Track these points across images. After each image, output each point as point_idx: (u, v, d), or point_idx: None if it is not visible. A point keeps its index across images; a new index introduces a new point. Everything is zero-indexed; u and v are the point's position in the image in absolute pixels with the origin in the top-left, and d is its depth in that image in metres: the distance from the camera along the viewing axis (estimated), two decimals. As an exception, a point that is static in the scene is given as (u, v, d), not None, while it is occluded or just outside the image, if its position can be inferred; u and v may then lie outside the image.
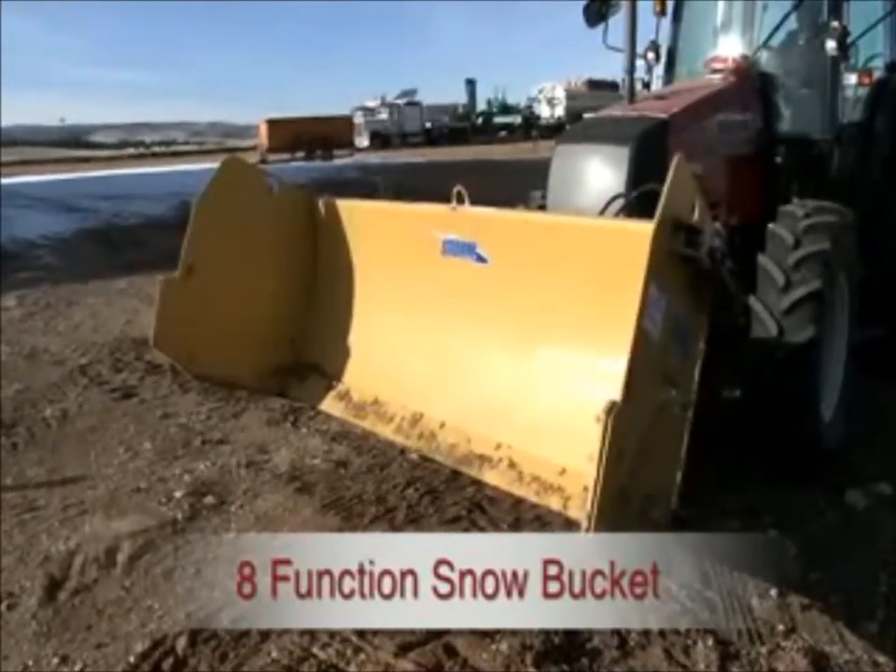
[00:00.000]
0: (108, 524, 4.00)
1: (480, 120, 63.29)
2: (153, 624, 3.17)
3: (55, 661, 2.99)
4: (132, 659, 2.94)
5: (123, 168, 37.24)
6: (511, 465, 3.30)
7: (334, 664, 2.91)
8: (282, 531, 3.87)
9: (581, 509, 2.94)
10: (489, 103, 65.69)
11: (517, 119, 61.70)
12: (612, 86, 40.74)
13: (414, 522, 3.90)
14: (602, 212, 3.92)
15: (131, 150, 68.03)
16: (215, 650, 2.98)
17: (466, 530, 3.81)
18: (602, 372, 3.16)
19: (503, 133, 59.03)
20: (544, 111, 59.67)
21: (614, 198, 3.96)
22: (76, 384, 6.23)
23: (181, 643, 3.01)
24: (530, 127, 55.82)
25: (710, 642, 3.00)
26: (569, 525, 3.69)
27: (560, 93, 58.61)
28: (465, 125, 60.73)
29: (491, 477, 3.36)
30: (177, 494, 4.30)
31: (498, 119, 63.28)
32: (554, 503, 3.07)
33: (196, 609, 3.24)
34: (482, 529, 3.82)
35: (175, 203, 18.13)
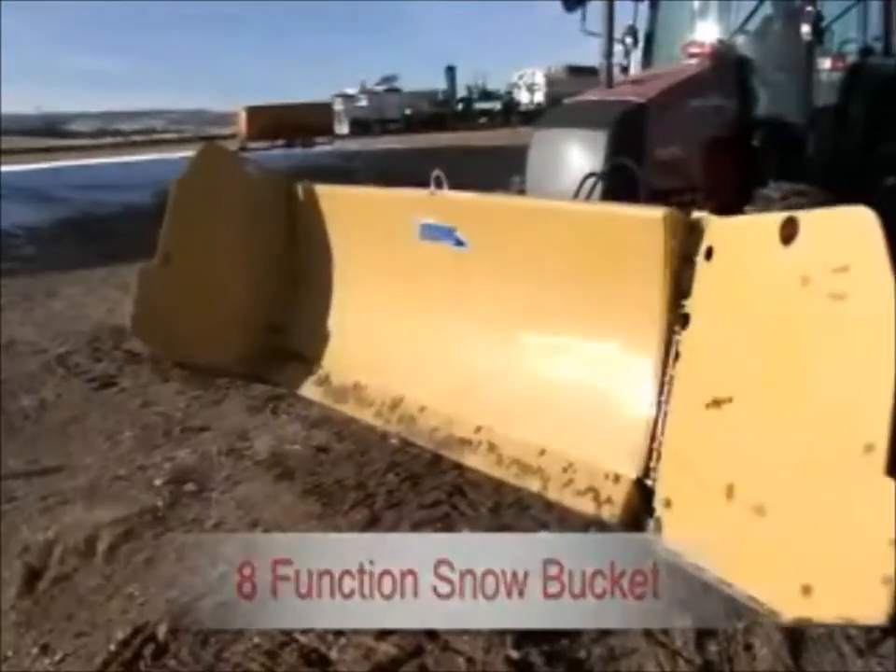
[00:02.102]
0: (88, 513, 3.97)
1: (460, 107, 63.03)
2: (134, 612, 3.16)
3: (35, 651, 2.97)
4: (112, 647, 2.93)
5: (102, 157, 36.90)
6: (491, 447, 3.32)
7: (315, 648, 2.92)
8: (263, 517, 3.88)
9: (560, 490, 2.98)
10: (469, 89, 65.40)
11: (497, 106, 61.51)
12: (592, 72, 40.58)
13: (394, 507, 3.91)
14: (576, 193, 3.94)
15: (109, 139, 67.33)
16: (196, 635, 2.99)
17: (446, 515, 3.82)
18: (582, 355, 3.18)
19: (483, 120, 58.87)
20: (524, 97, 59.56)
21: (586, 177, 3.99)
22: (54, 374, 6.18)
23: (162, 629, 3.01)
24: (510, 113, 55.74)
25: (688, 621, 3.03)
26: (549, 507, 3.75)
27: (540, 79, 58.47)
28: (445, 111, 60.48)
29: (471, 460, 3.39)
30: (157, 482, 4.28)
31: (479, 106, 63.05)
32: (534, 485, 3.10)
33: (178, 596, 3.24)
34: (462, 514, 3.84)
35: (154, 192, 17.93)
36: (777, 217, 2.49)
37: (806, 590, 2.32)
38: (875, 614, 2.07)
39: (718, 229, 2.86)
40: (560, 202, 3.88)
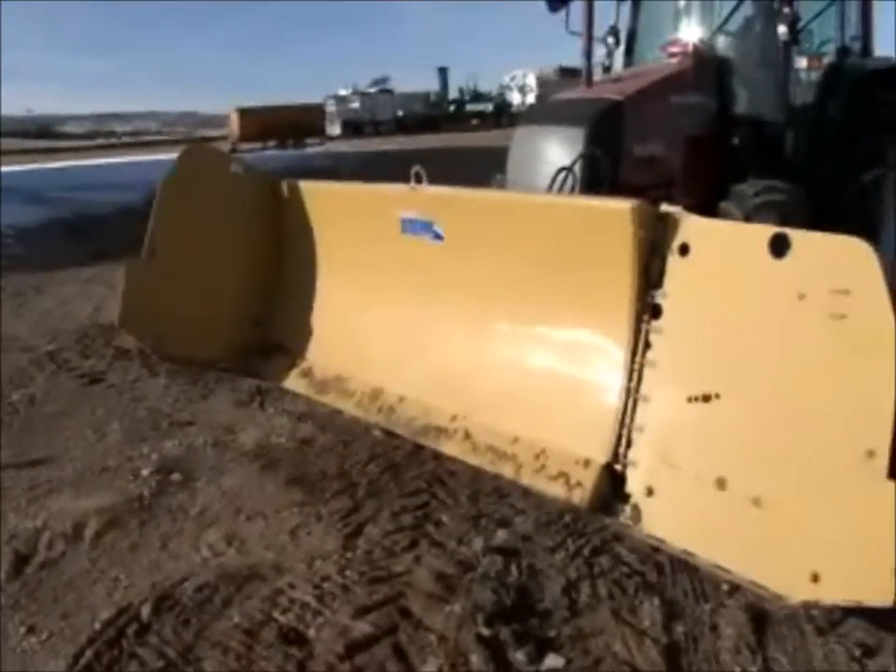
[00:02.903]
0: (76, 501, 4.06)
1: (452, 108, 63.37)
2: (119, 594, 3.25)
3: (22, 630, 3.06)
4: (97, 626, 3.03)
5: (93, 159, 36.91)
6: (467, 435, 3.41)
7: (294, 627, 3.01)
8: (246, 505, 3.96)
9: (532, 475, 3.08)
10: (461, 90, 65.73)
11: (489, 107, 61.72)
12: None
13: (375, 495, 4.00)
14: (550, 186, 4.04)
15: (101, 140, 67.30)
16: (178, 615, 3.08)
17: (426, 503, 3.92)
18: (554, 345, 3.27)
19: (475, 121, 59.05)
20: (516, 98, 59.82)
21: (559, 171, 4.08)
22: (43, 369, 6.25)
23: (146, 610, 3.10)
24: (502, 114, 55.92)
25: (657, 602, 3.12)
26: (526, 495, 3.85)
27: (531, 81, 58.79)
28: (437, 113, 60.83)
29: (448, 448, 3.47)
30: (144, 472, 4.37)
31: (470, 107, 63.36)
32: (508, 471, 3.18)
33: (161, 580, 3.33)
34: (441, 501, 3.93)
35: (145, 193, 17.92)
36: (766, 230, 2.69)
37: (815, 577, 2.59)
38: (882, 597, 2.37)
39: (695, 227, 2.95)
40: (532, 195, 3.98)
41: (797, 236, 2.62)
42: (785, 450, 2.69)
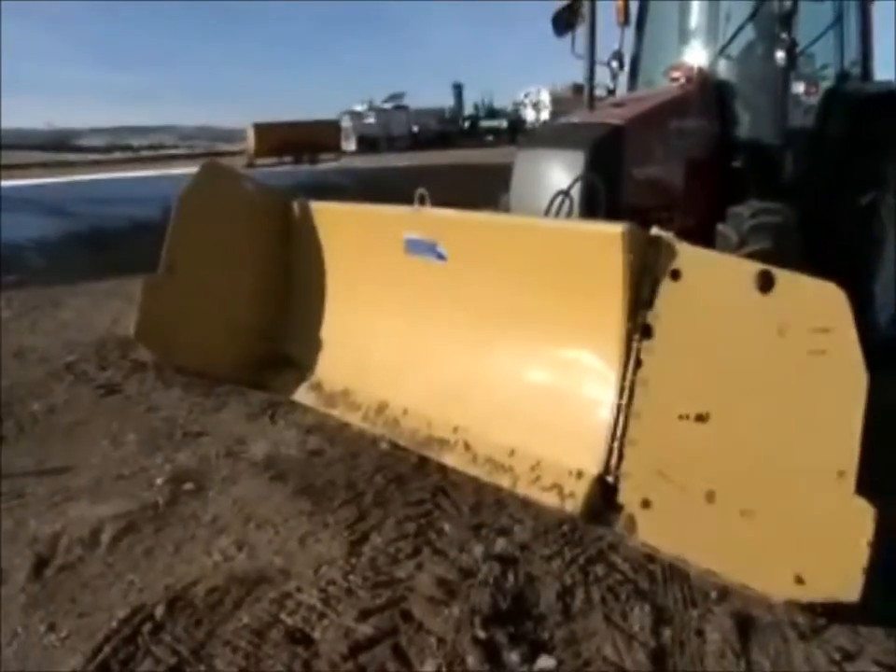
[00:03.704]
0: (92, 508, 4.23)
1: (467, 125, 63.58)
2: (134, 596, 3.41)
3: (42, 628, 3.23)
4: (114, 624, 3.19)
5: (111, 172, 37.22)
6: (467, 447, 3.55)
7: (300, 628, 3.16)
8: (256, 513, 4.12)
9: (528, 486, 3.23)
10: (476, 107, 65.97)
11: (504, 124, 61.88)
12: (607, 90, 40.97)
13: (381, 505, 4.15)
14: (547, 210, 4.19)
15: (118, 154, 67.87)
16: (191, 616, 3.24)
17: (429, 512, 4.07)
18: (549, 361, 3.43)
19: (490, 138, 59.22)
20: (530, 115, 59.99)
21: (557, 194, 4.23)
22: (62, 380, 6.44)
23: (159, 610, 3.26)
24: (516, 131, 56.09)
25: (647, 608, 3.26)
26: (526, 506, 4.00)
27: (545, 98, 58.91)
28: (452, 129, 61.01)
29: (449, 458, 3.62)
30: (158, 481, 4.53)
31: (485, 123, 63.51)
32: (504, 482, 3.33)
33: (174, 582, 3.49)
34: (444, 511, 4.08)
35: (162, 207, 18.16)
36: (753, 266, 2.97)
37: (799, 579, 2.91)
38: (853, 594, 2.74)
39: (686, 254, 3.11)
40: (530, 218, 4.13)
41: (781, 276, 2.88)
42: (768, 469, 2.99)
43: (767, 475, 3.01)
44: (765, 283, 2.89)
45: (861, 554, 2.70)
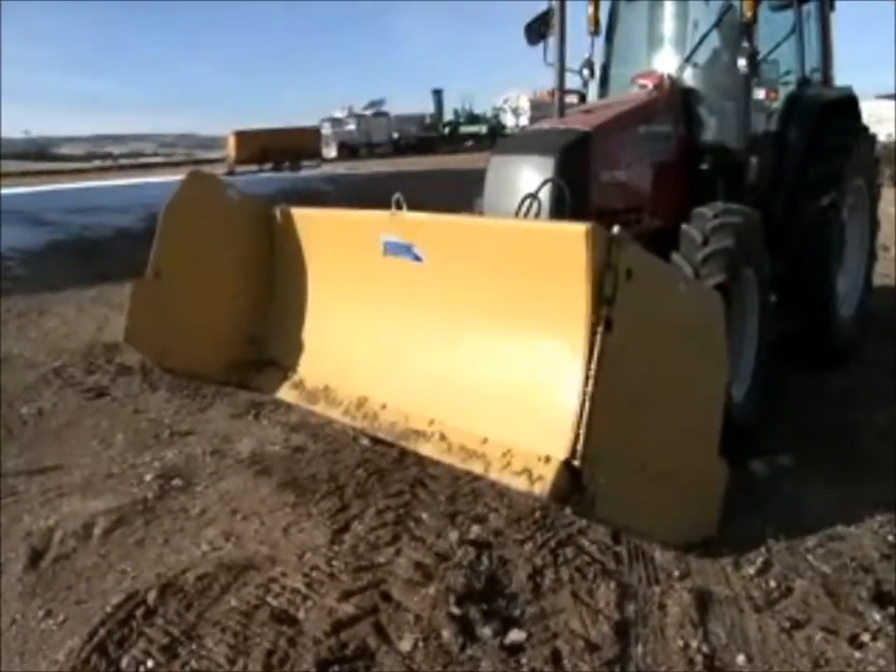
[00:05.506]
0: (84, 504, 4.40)
1: (447, 130, 63.81)
2: (127, 583, 3.59)
3: (40, 614, 3.40)
4: (108, 609, 3.36)
5: (91, 181, 37.17)
6: (442, 437, 3.72)
7: (285, 609, 3.35)
8: (242, 506, 4.30)
9: (499, 472, 3.42)
10: (456, 113, 66.16)
11: (483, 129, 62.11)
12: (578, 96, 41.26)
13: (362, 496, 4.35)
14: (517, 212, 4.39)
15: (98, 162, 67.69)
16: (181, 600, 3.41)
17: (407, 503, 4.27)
18: (520, 354, 3.63)
19: (470, 143, 59.45)
20: (510, 121, 60.23)
21: (526, 197, 4.42)
22: (50, 385, 6.60)
23: (152, 596, 3.44)
24: (496, 136, 56.32)
25: (612, 585, 3.47)
26: (501, 496, 4.20)
27: (525, 103, 59.13)
28: (432, 135, 61.29)
29: (425, 449, 3.79)
30: (147, 477, 4.71)
31: (465, 129, 63.69)
32: (477, 468, 3.50)
33: (165, 570, 3.67)
34: (422, 501, 4.28)
35: (144, 215, 18.29)
36: (678, 272, 3.70)
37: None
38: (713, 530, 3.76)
39: (635, 255, 3.33)
40: (500, 219, 4.34)
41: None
42: (679, 435, 3.61)
43: (679, 441, 3.59)
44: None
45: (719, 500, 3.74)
